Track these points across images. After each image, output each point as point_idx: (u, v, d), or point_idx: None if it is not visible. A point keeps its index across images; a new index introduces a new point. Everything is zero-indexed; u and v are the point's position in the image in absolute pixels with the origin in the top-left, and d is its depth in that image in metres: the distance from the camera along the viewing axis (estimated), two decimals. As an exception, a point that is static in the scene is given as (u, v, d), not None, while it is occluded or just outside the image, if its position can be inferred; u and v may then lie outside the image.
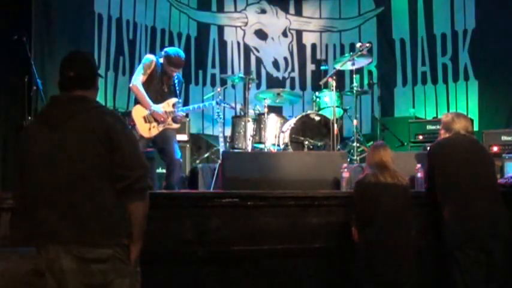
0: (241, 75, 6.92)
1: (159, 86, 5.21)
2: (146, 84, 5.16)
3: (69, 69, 2.63)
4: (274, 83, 8.62)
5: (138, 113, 5.14)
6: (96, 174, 2.50)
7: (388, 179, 3.80)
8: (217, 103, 6.01)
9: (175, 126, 5.35)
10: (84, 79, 2.65)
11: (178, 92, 5.39)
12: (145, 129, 5.12)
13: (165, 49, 5.34)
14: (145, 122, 5.13)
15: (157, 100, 5.17)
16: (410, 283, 3.75)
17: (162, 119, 5.15)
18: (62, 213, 2.48)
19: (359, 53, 6.34)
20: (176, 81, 5.37)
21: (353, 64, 6.40)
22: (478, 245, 3.84)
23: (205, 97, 8.03)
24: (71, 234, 2.47)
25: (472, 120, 4.31)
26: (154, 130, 5.16)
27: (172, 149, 5.24)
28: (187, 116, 7.04)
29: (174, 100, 5.29)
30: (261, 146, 6.61)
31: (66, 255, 2.47)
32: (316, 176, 4.73)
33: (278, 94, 6.94)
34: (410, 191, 3.99)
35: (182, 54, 5.30)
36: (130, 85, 5.24)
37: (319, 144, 6.32)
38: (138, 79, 5.15)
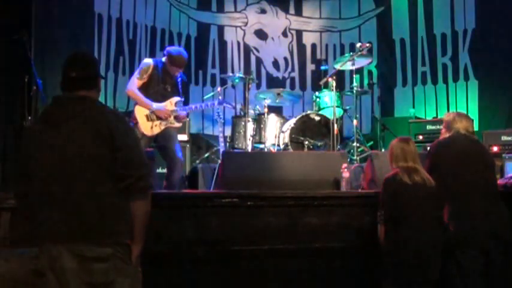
0: (241, 75, 6.92)
1: (160, 87, 5.19)
2: (145, 87, 5.13)
3: (72, 69, 2.64)
4: (274, 83, 8.62)
5: (140, 111, 5.13)
6: (98, 173, 2.51)
7: (418, 177, 3.78)
8: (219, 103, 6.00)
9: (178, 125, 5.35)
10: (86, 79, 2.66)
11: (180, 91, 5.39)
12: (148, 128, 5.11)
13: (168, 48, 5.33)
14: (148, 120, 5.12)
15: (157, 101, 5.17)
16: (435, 281, 3.76)
17: (164, 116, 5.14)
18: (63, 212, 2.49)
19: (359, 53, 6.34)
20: (179, 79, 5.36)
21: (353, 64, 6.40)
22: (477, 245, 3.84)
23: (205, 97, 8.04)
24: (73, 233, 2.48)
25: (472, 120, 4.30)
26: (156, 128, 5.15)
27: (174, 147, 5.23)
28: (187, 115, 7.04)
29: (176, 99, 5.29)
30: (261, 146, 6.62)
31: (68, 254, 2.48)
32: (316, 176, 4.73)
33: (278, 94, 6.94)
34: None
35: (185, 53, 5.29)
36: (126, 90, 5.21)
37: (319, 144, 6.33)
38: (133, 83, 5.12)
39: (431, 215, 3.80)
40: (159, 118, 5.14)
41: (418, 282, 3.73)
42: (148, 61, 5.22)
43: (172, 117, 5.21)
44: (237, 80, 7.02)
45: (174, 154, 5.19)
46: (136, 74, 5.17)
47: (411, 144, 3.95)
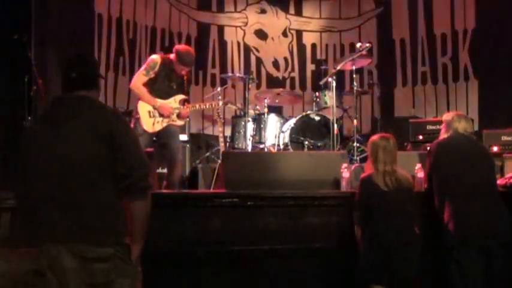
0: (241, 75, 6.91)
1: (165, 84, 5.18)
2: (150, 83, 5.13)
3: (72, 70, 2.65)
4: (274, 83, 8.62)
5: (143, 107, 5.12)
6: (98, 173, 2.51)
7: (393, 180, 3.79)
8: (224, 103, 5.99)
9: (180, 123, 5.35)
10: (86, 80, 2.67)
11: (186, 89, 5.39)
12: (149, 124, 5.09)
13: (177, 46, 5.34)
14: (150, 116, 5.10)
15: (161, 98, 5.16)
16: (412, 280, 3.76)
17: (167, 114, 5.13)
18: (63, 212, 2.49)
19: (359, 53, 6.33)
20: (185, 78, 5.36)
21: (353, 64, 6.40)
22: (477, 245, 3.84)
23: (205, 97, 8.04)
24: (73, 233, 2.48)
25: (472, 121, 4.30)
26: (158, 125, 5.15)
27: (175, 145, 5.23)
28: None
29: (181, 97, 5.29)
30: (261, 146, 6.61)
31: (68, 254, 2.48)
32: (316, 176, 4.72)
33: (278, 94, 6.94)
34: (413, 187, 3.98)
35: (193, 53, 5.31)
36: (130, 85, 5.23)
37: (319, 144, 6.32)
38: (138, 79, 5.15)
39: (404, 217, 3.79)
40: (161, 115, 5.13)
41: (391, 281, 3.72)
42: (156, 58, 5.22)
43: (175, 115, 5.20)
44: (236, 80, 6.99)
45: (175, 152, 5.19)
46: (142, 69, 5.18)
47: (391, 142, 3.93)
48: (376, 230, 3.76)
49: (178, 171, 5.24)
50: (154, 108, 5.11)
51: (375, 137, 4.03)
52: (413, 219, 3.85)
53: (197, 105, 5.72)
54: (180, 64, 5.18)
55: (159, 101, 5.12)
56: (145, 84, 5.13)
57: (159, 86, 5.16)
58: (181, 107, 5.25)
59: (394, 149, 3.91)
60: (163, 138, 5.21)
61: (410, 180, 3.91)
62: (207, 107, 5.94)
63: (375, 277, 3.74)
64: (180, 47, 5.37)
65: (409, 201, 3.85)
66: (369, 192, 3.82)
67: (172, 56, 5.23)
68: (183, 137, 6.64)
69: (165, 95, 5.18)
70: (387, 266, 3.71)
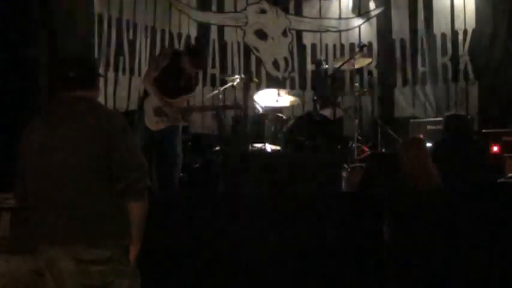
0: (241, 75, 6.91)
1: (174, 82, 5.12)
2: (159, 80, 5.06)
3: (70, 69, 2.64)
4: (274, 83, 8.61)
5: (149, 103, 5.05)
6: (95, 174, 2.50)
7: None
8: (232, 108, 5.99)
9: (184, 123, 5.34)
10: (84, 79, 2.66)
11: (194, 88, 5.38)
12: (153, 122, 5.04)
13: (190, 47, 5.32)
14: (155, 114, 5.04)
15: (170, 96, 5.10)
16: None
17: (174, 116, 5.08)
18: (60, 213, 2.48)
19: (359, 53, 6.33)
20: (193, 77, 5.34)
21: (353, 64, 6.40)
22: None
23: (205, 97, 8.04)
24: (70, 235, 2.48)
25: (472, 121, 4.31)
26: (160, 124, 5.09)
27: (175, 143, 5.19)
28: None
29: (188, 97, 5.28)
30: (261, 146, 6.61)
31: (65, 256, 2.47)
32: (316, 176, 4.73)
33: (278, 94, 6.94)
34: None
35: (205, 55, 5.29)
36: (143, 81, 5.17)
37: (319, 144, 6.32)
38: (149, 75, 5.08)
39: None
40: (167, 115, 5.09)
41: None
42: (167, 53, 5.20)
43: (180, 116, 5.17)
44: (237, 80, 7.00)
45: (174, 150, 5.16)
46: (153, 64, 5.12)
47: (423, 144, 3.94)
48: None
49: (178, 169, 5.22)
50: (163, 107, 5.07)
51: (406, 139, 4.10)
52: None
53: (205, 107, 5.69)
54: (193, 65, 5.14)
55: (168, 101, 5.07)
56: (156, 80, 5.04)
57: (169, 84, 5.08)
58: (188, 107, 5.24)
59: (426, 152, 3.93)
60: (164, 136, 5.16)
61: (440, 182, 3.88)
62: (215, 110, 5.87)
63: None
64: (194, 47, 5.35)
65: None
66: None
67: (184, 53, 5.19)
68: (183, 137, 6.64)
69: (174, 93, 5.12)
70: None
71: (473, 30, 7.91)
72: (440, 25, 8.20)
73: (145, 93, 5.16)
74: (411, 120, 7.13)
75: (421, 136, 4.16)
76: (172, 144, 5.17)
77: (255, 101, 7.07)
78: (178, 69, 5.14)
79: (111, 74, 7.44)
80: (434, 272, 3.80)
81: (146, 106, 5.04)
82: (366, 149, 6.54)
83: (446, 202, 3.91)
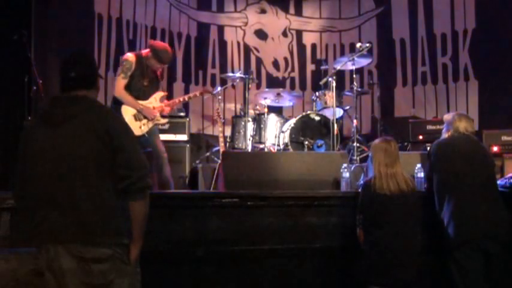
0: (241, 75, 6.92)
1: (141, 83, 5.13)
2: (128, 84, 5.06)
3: (71, 69, 2.64)
4: (274, 83, 8.62)
5: (127, 112, 5.06)
6: (96, 173, 2.51)
7: (395, 184, 3.78)
8: (200, 94, 5.95)
9: (164, 121, 5.36)
10: (85, 79, 2.66)
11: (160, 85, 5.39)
12: (136, 127, 5.04)
13: (152, 42, 5.27)
14: (136, 120, 5.07)
15: (140, 98, 5.12)
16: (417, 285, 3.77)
17: (152, 116, 5.13)
18: (62, 212, 2.49)
19: (359, 53, 6.33)
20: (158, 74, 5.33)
21: (353, 64, 6.39)
22: (477, 246, 3.84)
23: (205, 97, 8.03)
24: (71, 233, 2.48)
25: (472, 121, 4.30)
26: (145, 128, 5.13)
27: (159, 142, 5.26)
28: (187, 115, 7.04)
29: (160, 94, 5.29)
30: (261, 146, 6.61)
31: (66, 255, 2.48)
32: (316, 176, 4.73)
33: (278, 94, 6.94)
34: (417, 194, 3.97)
35: (170, 51, 5.25)
36: (115, 94, 5.09)
37: (319, 144, 6.32)
38: (120, 85, 5.04)
39: (405, 221, 3.78)
40: (146, 117, 5.12)
41: (390, 284, 3.72)
42: (130, 58, 5.10)
43: (158, 115, 5.20)
44: (237, 80, 6.98)
45: (160, 149, 5.22)
46: (120, 73, 5.05)
47: (393, 145, 3.92)
48: (378, 234, 3.75)
49: (166, 166, 5.23)
50: (139, 111, 5.09)
51: (376, 141, 4.04)
52: (416, 222, 3.84)
53: (177, 100, 5.68)
54: (157, 62, 5.12)
55: (143, 104, 5.09)
56: (125, 86, 5.06)
57: (137, 86, 5.10)
58: (163, 104, 5.24)
59: (396, 152, 3.90)
60: (147, 140, 5.20)
61: (413, 184, 3.88)
62: (187, 99, 5.84)
63: (375, 279, 3.74)
64: (157, 43, 5.30)
65: (412, 205, 3.84)
66: (370, 196, 3.81)
67: (146, 52, 5.16)
68: (183, 137, 6.65)
69: (143, 94, 5.14)
70: (388, 269, 3.71)
71: (473, 30, 7.91)
72: (440, 25, 8.20)
73: (116, 103, 5.11)
74: (411, 120, 7.12)
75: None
76: (157, 142, 5.24)
77: (255, 101, 7.07)
78: (143, 70, 5.14)
79: (111, 75, 7.44)
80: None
81: (125, 115, 5.01)
82: (366, 149, 6.54)
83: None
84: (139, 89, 5.13)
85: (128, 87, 5.07)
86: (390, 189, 3.76)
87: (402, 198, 3.77)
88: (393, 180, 3.79)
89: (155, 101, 5.21)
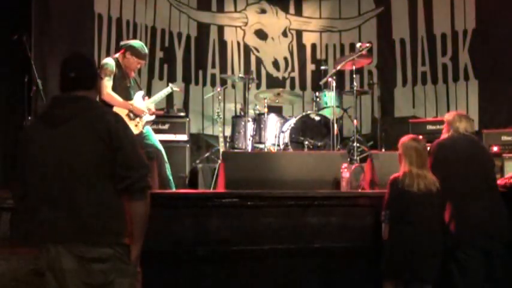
0: (241, 75, 6.91)
1: (123, 84, 5.16)
2: (112, 87, 5.08)
3: (71, 69, 2.64)
4: (274, 83, 8.62)
5: (120, 113, 5.06)
6: (97, 173, 2.51)
7: (423, 185, 3.80)
8: (171, 88, 5.92)
9: (152, 118, 5.39)
10: (85, 80, 2.66)
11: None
12: (132, 126, 5.05)
13: (129, 42, 5.29)
14: (130, 119, 5.09)
15: (126, 98, 5.15)
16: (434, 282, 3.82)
17: (140, 113, 5.16)
18: (62, 212, 2.49)
19: (359, 53, 6.33)
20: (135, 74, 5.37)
21: (353, 64, 6.39)
22: (477, 246, 3.85)
23: (205, 97, 8.04)
24: (72, 233, 2.48)
25: (473, 121, 4.30)
26: (140, 126, 5.18)
27: (155, 140, 5.31)
28: (187, 115, 7.04)
29: (141, 93, 5.33)
30: (261, 146, 6.61)
31: (67, 255, 2.48)
32: (316, 176, 4.73)
33: (278, 94, 6.94)
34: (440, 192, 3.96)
35: (145, 46, 5.31)
36: (102, 96, 5.02)
37: (319, 144, 6.32)
38: (107, 87, 5.02)
39: (431, 220, 3.83)
40: (136, 116, 5.15)
41: (411, 281, 3.78)
42: (109, 61, 5.11)
43: (146, 112, 5.23)
44: (237, 80, 6.98)
45: (157, 147, 5.26)
46: (104, 77, 5.02)
47: (422, 144, 3.94)
48: (404, 231, 3.78)
49: (165, 162, 5.25)
50: (130, 111, 5.10)
51: (406, 139, 4.01)
52: (440, 223, 3.87)
53: (156, 98, 5.68)
54: (137, 58, 5.15)
55: (131, 103, 5.12)
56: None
57: (120, 87, 5.12)
58: (145, 102, 5.29)
59: (425, 152, 3.93)
60: (144, 138, 5.23)
61: (438, 185, 3.89)
62: (163, 95, 5.83)
63: (394, 274, 3.80)
64: (132, 41, 5.35)
65: (437, 206, 3.86)
66: (400, 192, 3.81)
67: (119, 54, 5.19)
68: (183, 137, 6.65)
69: (126, 94, 5.16)
70: (408, 265, 3.75)
71: (473, 30, 7.91)
72: (440, 25, 8.20)
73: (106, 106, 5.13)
74: (411, 120, 7.12)
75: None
76: (154, 140, 5.28)
77: (255, 101, 7.07)
78: (123, 71, 5.16)
79: (111, 74, 7.43)
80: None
81: None
82: (366, 149, 6.54)
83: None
84: (125, 90, 5.16)
85: (113, 90, 5.08)
86: (419, 188, 3.79)
87: (430, 198, 3.80)
88: (423, 180, 3.81)
89: (140, 100, 5.25)
